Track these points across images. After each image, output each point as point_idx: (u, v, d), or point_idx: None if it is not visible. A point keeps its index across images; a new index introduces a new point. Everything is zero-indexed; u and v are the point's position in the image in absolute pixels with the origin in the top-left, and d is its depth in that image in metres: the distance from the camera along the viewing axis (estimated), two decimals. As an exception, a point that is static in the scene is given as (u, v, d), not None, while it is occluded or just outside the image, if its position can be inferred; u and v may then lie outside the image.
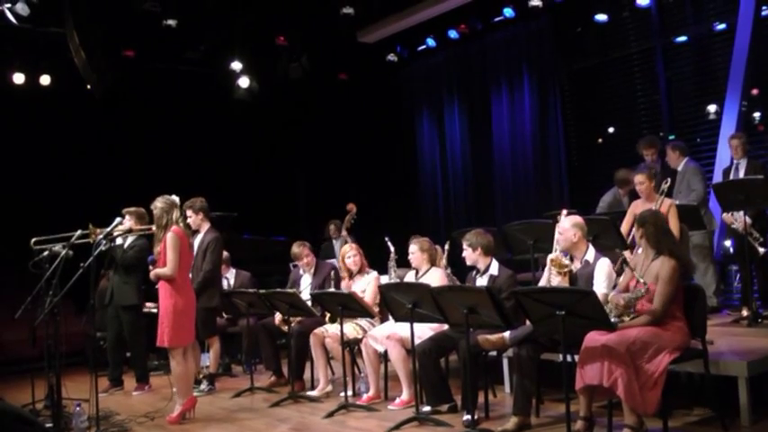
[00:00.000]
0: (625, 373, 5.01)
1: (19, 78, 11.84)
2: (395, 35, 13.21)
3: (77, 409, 6.24)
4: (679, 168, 8.67)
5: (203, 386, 8.34)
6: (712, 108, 10.16)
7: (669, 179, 7.35)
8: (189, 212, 8.34)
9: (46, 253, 6.72)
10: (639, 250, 5.70)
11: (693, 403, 6.06)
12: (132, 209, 8.36)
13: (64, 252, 6.33)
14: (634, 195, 9.12)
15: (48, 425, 6.35)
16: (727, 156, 8.73)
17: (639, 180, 7.49)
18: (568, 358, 5.30)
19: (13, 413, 6.31)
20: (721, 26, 10.16)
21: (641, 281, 5.27)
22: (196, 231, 8.47)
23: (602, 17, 11.17)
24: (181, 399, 7.10)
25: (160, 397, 8.22)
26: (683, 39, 10.68)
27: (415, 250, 7.35)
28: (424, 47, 13.55)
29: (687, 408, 6.02)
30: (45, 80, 12.09)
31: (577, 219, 6.11)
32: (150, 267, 7.14)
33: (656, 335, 5.14)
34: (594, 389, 5.28)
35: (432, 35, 13.18)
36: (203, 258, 8.36)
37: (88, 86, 10.87)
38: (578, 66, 12.07)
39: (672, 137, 10.25)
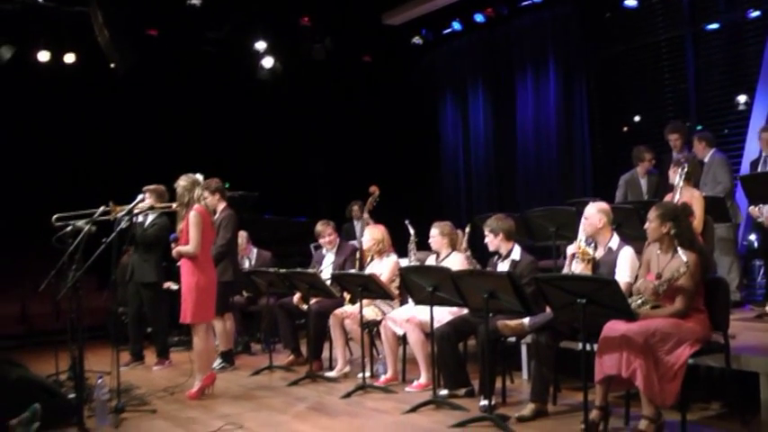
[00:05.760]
0: (644, 363, 4.98)
1: (44, 56, 11.89)
2: (420, 18, 13.14)
3: (99, 381, 6.29)
4: (705, 159, 8.57)
5: (216, 363, 8.32)
6: (742, 99, 10.03)
7: (686, 164, 7.23)
8: (205, 193, 8.33)
9: (69, 228, 6.76)
10: (654, 247, 5.59)
11: (712, 397, 6.02)
12: (152, 186, 8.40)
13: (87, 228, 6.36)
14: (652, 173, 9.12)
15: (70, 396, 6.42)
16: (756, 148, 8.63)
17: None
18: (588, 347, 5.28)
19: (39, 384, 6.45)
20: (755, 13, 9.93)
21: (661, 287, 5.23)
22: (213, 211, 8.49)
23: (631, 3, 11.04)
24: (200, 375, 7.16)
25: (180, 372, 8.27)
26: (714, 26, 10.51)
27: (435, 234, 7.33)
28: (449, 30, 13.50)
29: (705, 401, 5.99)
30: (69, 58, 12.13)
31: (603, 205, 6.08)
32: (172, 245, 7.19)
33: (677, 326, 5.10)
34: (612, 379, 5.26)
35: (457, 18, 13.11)
36: (217, 235, 8.37)
37: (111, 65, 10.90)
38: (605, 52, 11.96)
39: (699, 127, 10.14)
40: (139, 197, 7.40)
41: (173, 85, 12.83)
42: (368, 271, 7.73)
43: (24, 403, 5.87)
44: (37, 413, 5.76)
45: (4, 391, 6.00)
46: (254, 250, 9.91)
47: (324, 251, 8.74)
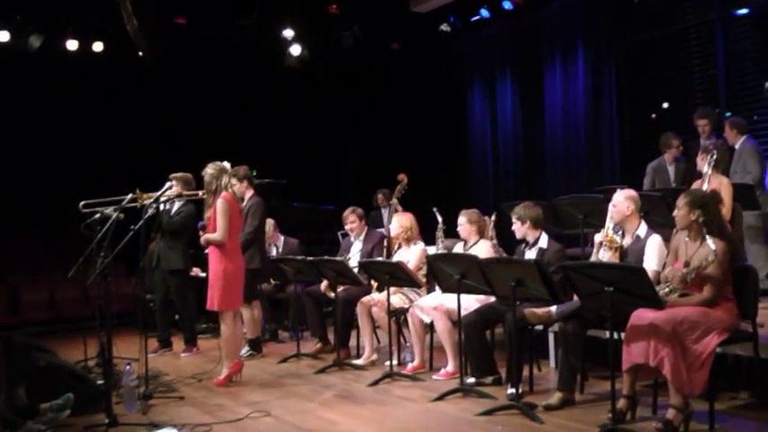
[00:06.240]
0: (672, 352, 4.94)
1: (72, 45, 12.00)
2: (448, 5, 13.09)
3: (127, 368, 6.35)
4: (737, 146, 8.47)
5: (243, 351, 8.36)
6: (772, 85, 9.91)
7: (715, 152, 7.15)
8: (233, 181, 8.34)
9: (98, 215, 6.81)
10: (682, 234, 5.53)
11: (740, 387, 5.96)
12: (179, 174, 8.41)
13: (115, 215, 6.40)
14: (679, 160, 9.03)
15: (99, 382, 6.48)
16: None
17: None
18: (615, 335, 5.25)
19: (68, 370, 6.52)
20: (786, -3, 9.82)
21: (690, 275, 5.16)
22: (241, 199, 8.50)
23: (659, -12, 10.94)
24: (228, 362, 7.20)
25: (207, 359, 8.34)
26: (744, 11, 10.36)
27: (463, 222, 7.32)
28: (477, 17, 13.39)
29: (734, 391, 5.93)
30: (98, 47, 12.26)
31: (631, 192, 6.02)
32: (200, 232, 7.22)
33: (704, 315, 5.06)
34: (639, 368, 5.22)
35: (486, 6, 13.03)
36: (245, 223, 8.38)
37: (140, 53, 10.96)
38: (634, 39, 11.83)
39: (728, 114, 10.02)
40: (167, 184, 7.44)
41: (200, 72, 12.90)
42: (395, 259, 7.74)
43: (53, 389, 5.94)
44: (70, 402, 5.83)
45: (33, 376, 6.07)
46: (282, 238, 9.94)
47: (351, 239, 8.75)
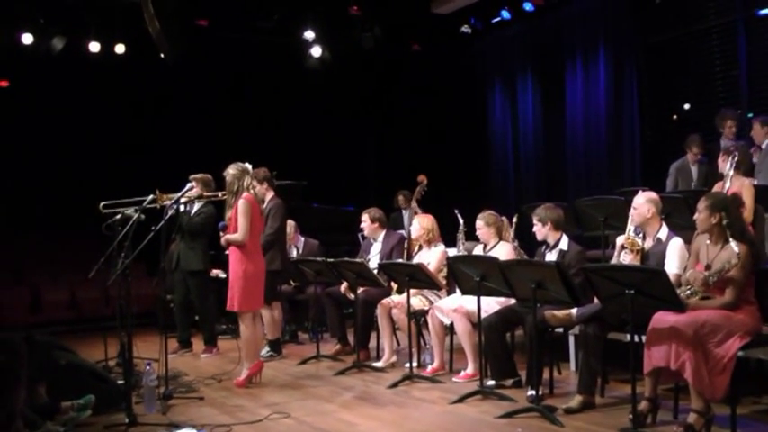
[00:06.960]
0: (693, 356, 4.90)
1: (95, 47, 12.06)
2: (469, 6, 13.06)
3: (148, 368, 6.37)
4: (763, 146, 8.41)
5: (263, 352, 8.36)
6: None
7: (736, 153, 7.08)
8: (254, 182, 8.35)
9: (118, 216, 6.85)
10: (703, 237, 5.47)
11: (763, 391, 5.92)
12: (199, 175, 8.45)
13: (136, 216, 6.43)
14: (701, 162, 8.97)
15: (119, 381, 6.51)
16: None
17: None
18: (636, 338, 5.22)
19: (89, 369, 6.56)
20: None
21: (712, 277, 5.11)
22: (261, 200, 8.51)
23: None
24: (248, 363, 7.21)
25: (227, 360, 8.36)
26: (766, 11, 10.28)
27: (481, 226, 7.30)
28: (498, 19, 13.36)
29: (756, 395, 5.89)
30: (120, 49, 12.30)
31: (652, 194, 5.99)
32: (221, 233, 7.24)
33: (726, 318, 5.02)
34: (660, 371, 5.19)
35: (506, 7, 12.99)
36: (266, 224, 8.40)
37: (161, 55, 11.01)
38: (655, 39, 11.75)
39: (750, 115, 9.95)
40: (189, 185, 7.46)
41: (222, 74, 12.94)
42: (415, 260, 7.73)
43: (74, 388, 5.97)
44: (91, 403, 5.86)
45: (54, 375, 6.11)
46: (302, 239, 9.96)
47: (371, 240, 8.75)
